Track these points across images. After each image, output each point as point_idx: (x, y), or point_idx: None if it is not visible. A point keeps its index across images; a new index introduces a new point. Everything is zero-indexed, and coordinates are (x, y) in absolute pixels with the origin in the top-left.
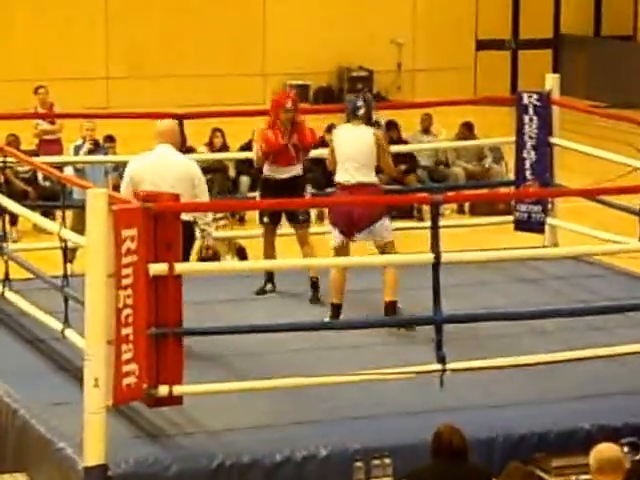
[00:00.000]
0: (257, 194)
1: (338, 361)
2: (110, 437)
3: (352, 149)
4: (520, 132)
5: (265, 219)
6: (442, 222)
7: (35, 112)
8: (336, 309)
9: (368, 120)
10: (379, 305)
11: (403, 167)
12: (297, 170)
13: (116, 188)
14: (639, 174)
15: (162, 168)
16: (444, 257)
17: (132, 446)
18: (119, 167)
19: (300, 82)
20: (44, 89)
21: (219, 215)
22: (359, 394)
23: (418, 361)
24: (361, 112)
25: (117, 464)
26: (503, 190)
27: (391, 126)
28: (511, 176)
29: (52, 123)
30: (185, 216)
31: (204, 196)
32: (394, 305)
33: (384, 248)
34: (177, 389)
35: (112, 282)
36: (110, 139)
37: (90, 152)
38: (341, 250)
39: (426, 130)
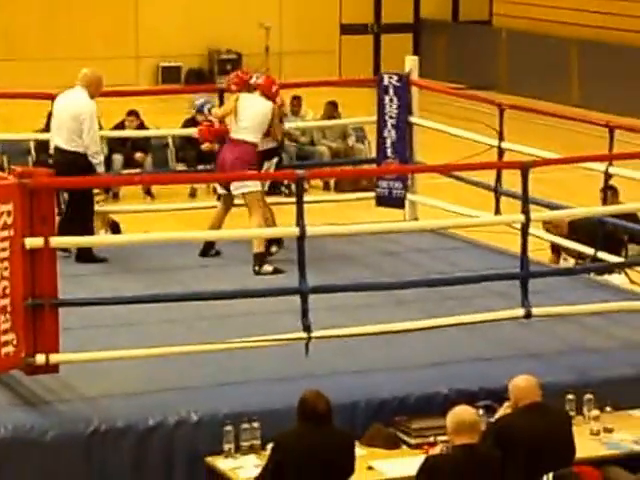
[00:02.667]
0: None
1: (209, 330)
2: None
3: (250, 113)
4: (381, 112)
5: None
6: (308, 198)
7: None
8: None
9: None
10: None
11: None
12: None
13: None
14: (494, 152)
15: (65, 103)
16: (309, 230)
17: (10, 413)
18: None
19: (172, 64)
20: None
21: (96, 191)
22: (229, 361)
23: (286, 329)
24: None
25: None
26: (365, 167)
27: None
28: (373, 154)
29: None
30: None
31: (87, 135)
32: (260, 256)
33: (247, 197)
34: (53, 357)
35: None
36: None
37: None
38: (225, 198)
39: (296, 113)
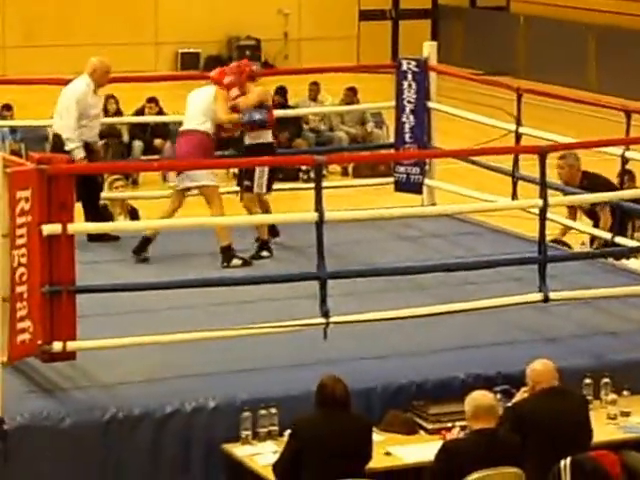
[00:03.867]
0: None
1: (227, 316)
2: (6, 392)
3: (194, 101)
4: (399, 97)
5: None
6: (326, 183)
7: None
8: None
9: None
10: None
11: (287, 134)
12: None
13: (14, 153)
14: (511, 137)
15: (65, 89)
16: (327, 215)
17: (27, 400)
18: (16, 132)
19: (191, 50)
20: None
21: (115, 177)
22: (246, 348)
23: (303, 315)
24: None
25: (13, 417)
26: (383, 152)
27: (280, 91)
28: (392, 139)
29: None
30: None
31: (60, 118)
32: (225, 248)
33: (203, 192)
34: (70, 345)
35: (7, 242)
36: (7, 108)
37: None
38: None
39: (314, 99)
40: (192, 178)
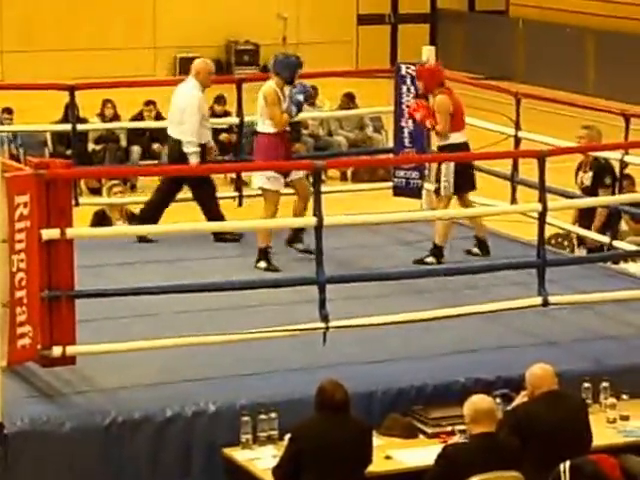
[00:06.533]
0: None
1: (227, 320)
2: (5, 397)
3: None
4: (398, 102)
5: None
6: (325, 188)
7: None
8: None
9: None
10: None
11: None
12: None
13: (13, 157)
14: (510, 141)
15: (176, 93)
16: (326, 220)
17: (27, 405)
18: (17, 137)
19: (190, 55)
20: None
21: (114, 182)
22: (246, 352)
23: (304, 319)
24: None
25: (13, 422)
26: (382, 157)
27: None
28: (391, 144)
29: None
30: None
31: (186, 126)
32: (260, 250)
33: (262, 193)
34: (70, 349)
35: (5, 247)
36: (8, 111)
37: None
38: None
39: (312, 103)
40: (256, 179)
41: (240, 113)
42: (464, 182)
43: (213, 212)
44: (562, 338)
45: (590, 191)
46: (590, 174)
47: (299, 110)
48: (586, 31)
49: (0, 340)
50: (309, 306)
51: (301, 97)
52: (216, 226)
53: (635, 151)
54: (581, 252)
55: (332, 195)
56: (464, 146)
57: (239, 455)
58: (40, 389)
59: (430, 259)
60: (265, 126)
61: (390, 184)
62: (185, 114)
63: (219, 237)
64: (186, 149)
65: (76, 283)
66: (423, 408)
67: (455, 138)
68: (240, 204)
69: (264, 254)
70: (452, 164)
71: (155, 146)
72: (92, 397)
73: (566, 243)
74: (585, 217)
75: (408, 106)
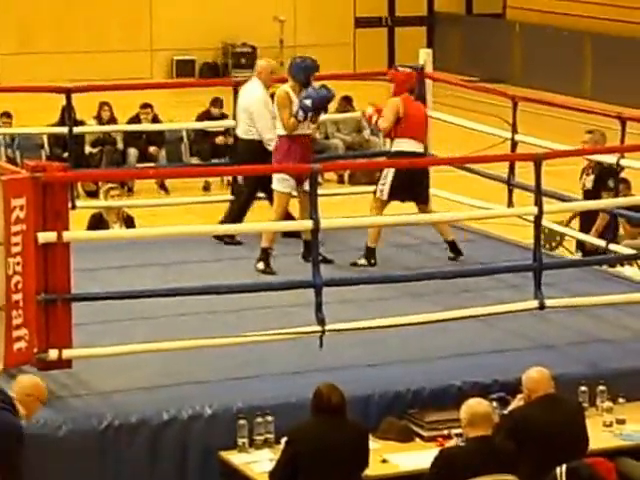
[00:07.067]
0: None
1: (224, 323)
2: None
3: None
4: None
5: None
6: (322, 191)
7: None
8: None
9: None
10: None
11: None
12: None
13: (10, 160)
14: (507, 145)
15: (241, 95)
16: (323, 223)
17: None
18: (15, 140)
19: (187, 57)
20: None
21: (111, 185)
22: (243, 355)
23: (301, 323)
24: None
25: None
26: (379, 160)
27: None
28: (388, 147)
29: None
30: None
31: (258, 124)
32: (263, 249)
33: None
34: (66, 353)
35: (2, 250)
36: (7, 115)
37: None
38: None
39: None
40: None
41: (237, 116)
42: (401, 191)
43: (235, 217)
44: (558, 341)
45: (592, 194)
46: (592, 177)
47: (306, 115)
48: (583, 34)
49: None
50: (306, 309)
51: (308, 102)
52: (213, 228)
53: (631, 155)
54: (579, 256)
55: (329, 198)
56: (410, 155)
57: (235, 458)
58: None
59: (362, 261)
60: (279, 129)
61: None
62: (253, 114)
63: (222, 239)
64: (269, 147)
65: (72, 286)
66: (419, 411)
67: (401, 145)
68: None
69: (265, 255)
70: (392, 170)
71: (152, 149)
72: (88, 400)
73: (554, 244)
74: (586, 221)
75: (364, 113)
